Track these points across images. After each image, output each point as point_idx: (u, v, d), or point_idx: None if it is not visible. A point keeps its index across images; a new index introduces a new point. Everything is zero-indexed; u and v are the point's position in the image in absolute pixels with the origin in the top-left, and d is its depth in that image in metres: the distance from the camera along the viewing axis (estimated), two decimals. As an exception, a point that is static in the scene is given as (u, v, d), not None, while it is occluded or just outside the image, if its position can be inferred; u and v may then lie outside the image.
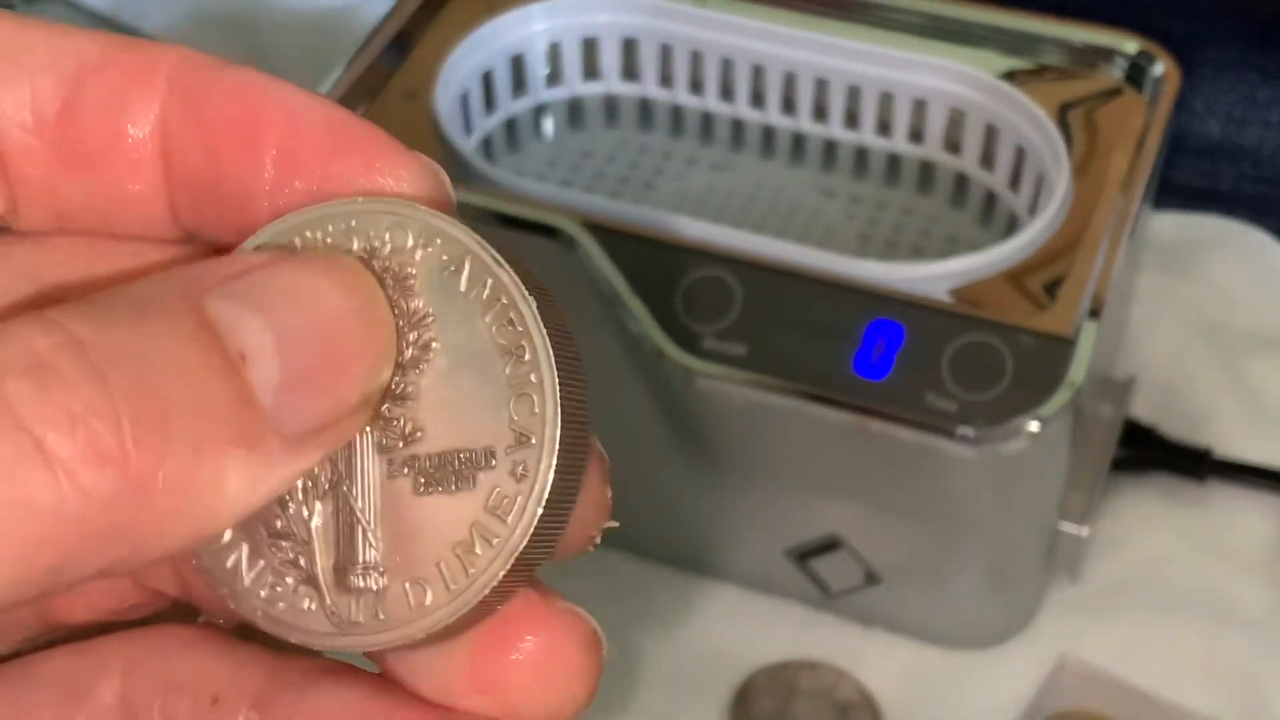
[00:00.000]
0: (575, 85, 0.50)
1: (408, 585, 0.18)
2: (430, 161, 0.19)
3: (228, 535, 0.18)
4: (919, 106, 0.47)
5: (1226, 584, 0.47)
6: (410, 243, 0.18)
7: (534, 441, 0.18)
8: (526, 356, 0.18)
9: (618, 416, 0.43)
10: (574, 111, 0.50)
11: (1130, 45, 0.46)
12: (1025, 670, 0.45)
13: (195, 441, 0.15)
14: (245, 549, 0.18)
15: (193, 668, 0.19)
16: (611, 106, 0.50)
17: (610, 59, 0.50)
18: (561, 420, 0.18)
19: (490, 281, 0.18)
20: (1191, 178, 0.57)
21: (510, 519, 0.18)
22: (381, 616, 0.18)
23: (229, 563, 0.18)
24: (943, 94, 0.46)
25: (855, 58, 0.47)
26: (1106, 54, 0.46)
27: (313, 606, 0.18)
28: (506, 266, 0.18)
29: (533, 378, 0.18)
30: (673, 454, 0.44)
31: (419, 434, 0.18)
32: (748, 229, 0.42)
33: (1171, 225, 0.55)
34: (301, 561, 0.18)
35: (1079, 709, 0.44)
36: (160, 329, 0.15)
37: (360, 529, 0.18)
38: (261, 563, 0.18)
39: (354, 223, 0.18)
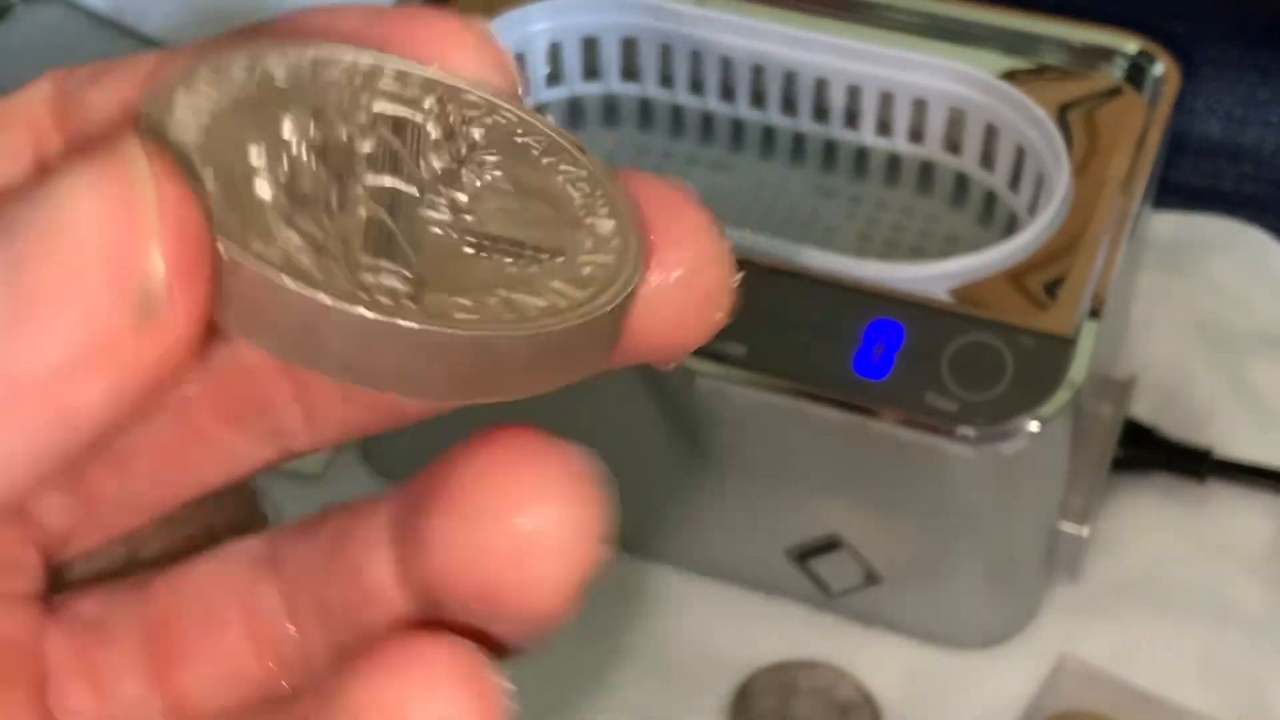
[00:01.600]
0: (575, 85, 0.50)
1: (448, 298, 0.15)
2: (490, 41, 0.17)
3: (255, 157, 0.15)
4: (919, 106, 0.47)
5: (1227, 584, 0.47)
6: (484, 109, 0.17)
7: (616, 244, 0.16)
8: (600, 193, 0.17)
9: (617, 417, 0.43)
10: (574, 111, 0.50)
11: (1130, 45, 0.46)
12: (1025, 670, 0.45)
13: None
14: (266, 178, 0.15)
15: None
16: (611, 106, 0.50)
17: (610, 59, 0.50)
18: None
19: (560, 151, 0.17)
20: (1192, 177, 0.57)
21: (594, 289, 0.16)
22: (413, 307, 0.15)
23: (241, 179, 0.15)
24: (943, 94, 0.46)
25: (855, 58, 0.47)
26: (1107, 54, 0.46)
27: (338, 271, 0.15)
28: (588, 154, 0.17)
29: (611, 205, 0.17)
30: (673, 454, 0.44)
31: (470, 217, 0.16)
32: (748, 229, 0.42)
33: (1172, 225, 0.55)
34: (325, 225, 0.15)
35: (1079, 709, 0.44)
36: None
37: (397, 239, 0.15)
38: (287, 204, 0.15)
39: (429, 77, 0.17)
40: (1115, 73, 0.46)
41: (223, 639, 0.18)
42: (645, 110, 0.50)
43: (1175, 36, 0.47)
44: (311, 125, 0.16)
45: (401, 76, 0.17)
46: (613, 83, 0.50)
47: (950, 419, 0.38)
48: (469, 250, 0.16)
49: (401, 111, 0.17)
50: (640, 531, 0.47)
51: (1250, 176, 0.57)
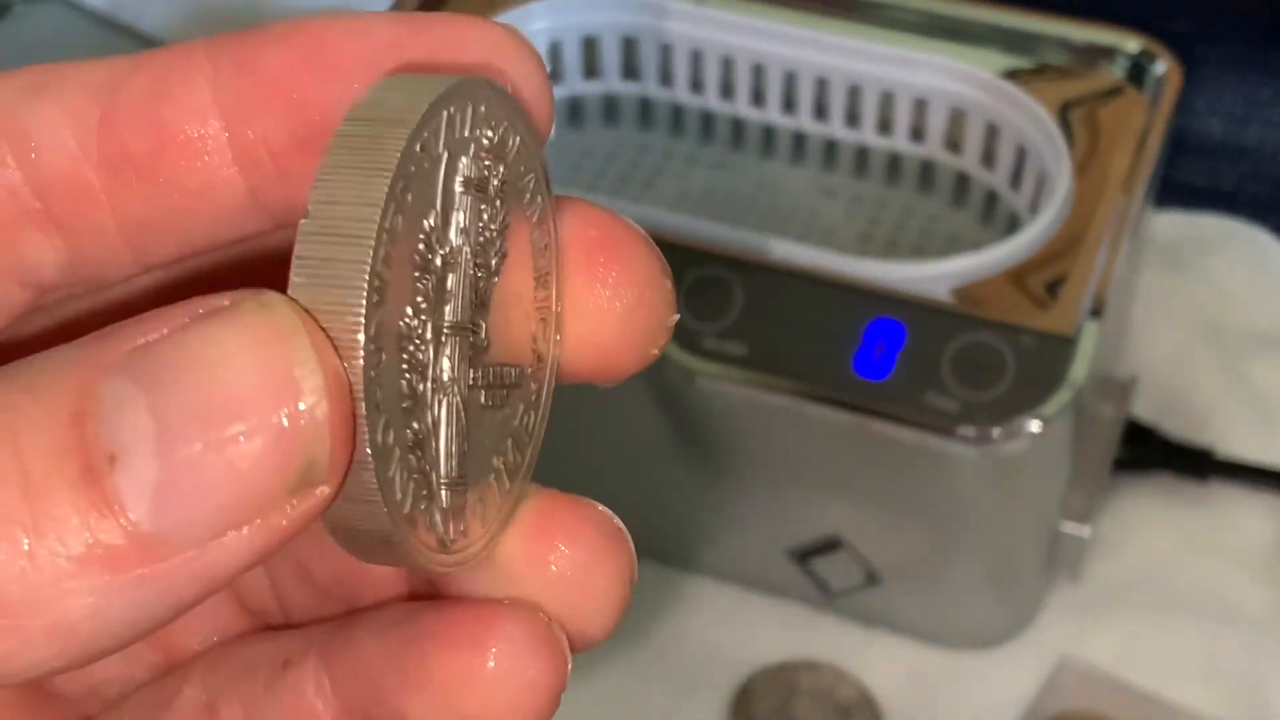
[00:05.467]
0: (575, 84, 0.50)
1: (477, 499, 0.17)
2: (511, 30, 0.17)
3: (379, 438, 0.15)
4: (920, 105, 0.47)
5: (1228, 584, 0.47)
6: (510, 145, 0.17)
7: (543, 363, 0.18)
8: (551, 283, 0.18)
9: (618, 417, 0.43)
10: (574, 111, 0.50)
11: (1132, 44, 0.45)
12: (1026, 671, 0.45)
13: (20, 564, 0.13)
14: (396, 460, 0.16)
15: (264, 647, 0.19)
16: (611, 106, 0.50)
17: (610, 58, 0.50)
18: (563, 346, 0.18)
19: (542, 202, 0.18)
20: (1193, 177, 0.57)
21: (528, 449, 0.18)
22: (463, 531, 0.17)
23: (389, 477, 0.16)
24: (943, 93, 0.46)
25: (856, 57, 0.46)
26: (1108, 53, 0.46)
27: (414, 499, 0.16)
28: (553, 191, 0.18)
29: (553, 303, 0.18)
30: (673, 454, 0.43)
31: (486, 344, 0.17)
32: (748, 229, 0.42)
33: (1173, 224, 0.55)
34: (429, 473, 0.16)
35: (1080, 709, 0.44)
36: (24, 424, 0.14)
37: (459, 439, 0.17)
38: (406, 477, 0.16)
39: (469, 113, 0.16)
40: (1116, 72, 0.46)
41: None
42: (645, 110, 0.50)
43: (1177, 35, 0.47)
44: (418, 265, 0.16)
45: (478, 139, 0.17)
46: (613, 82, 0.50)
47: (951, 419, 0.38)
48: (488, 407, 0.17)
49: (480, 213, 0.17)
50: (640, 532, 0.47)
51: (1252, 176, 0.57)
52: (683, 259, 0.41)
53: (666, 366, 0.40)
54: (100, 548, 0.14)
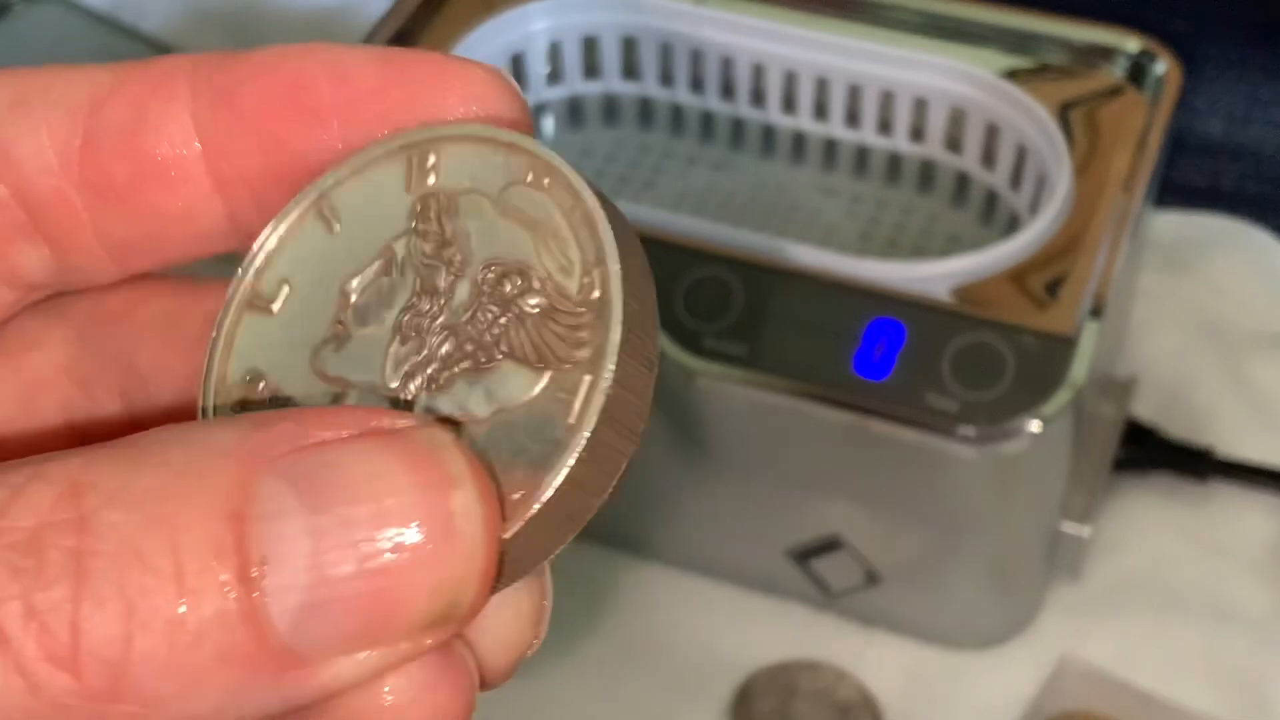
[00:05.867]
0: (575, 84, 0.50)
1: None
2: (495, 71, 0.17)
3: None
4: (920, 105, 0.47)
5: (1228, 584, 0.47)
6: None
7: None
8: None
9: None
10: (574, 110, 0.50)
11: (1132, 44, 0.45)
12: (1026, 670, 0.45)
13: (163, 657, 0.14)
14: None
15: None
16: (611, 106, 0.50)
17: (610, 58, 0.50)
18: None
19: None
20: (1193, 177, 0.57)
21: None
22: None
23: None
24: (944, 93, 0.46)
25: (856, 56, 0.46)
26: (1108, 53, 0.46)
27: None
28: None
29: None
30: (673, 454, 0.43)
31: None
32: (748, 229, 0.42)
33: (1173, 224, 0.55)
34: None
35: (1080, 709, 0.44)
36: (182, 511, 0.14)
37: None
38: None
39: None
40: (1117, 72, 0.46)
41: None
42: (645, 110, 0.50)
43: (1177, 35, 0.47)
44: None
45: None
46: (613, 82, 0.50)
47: (951, 419, 0.38)
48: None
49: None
50: (641, 531, 0.47)
51: (1251, 176, 0.57)
52: (683, 259, 0.41)
53: (666, 366, 0.40)
54: (238, 650, 0.14)
